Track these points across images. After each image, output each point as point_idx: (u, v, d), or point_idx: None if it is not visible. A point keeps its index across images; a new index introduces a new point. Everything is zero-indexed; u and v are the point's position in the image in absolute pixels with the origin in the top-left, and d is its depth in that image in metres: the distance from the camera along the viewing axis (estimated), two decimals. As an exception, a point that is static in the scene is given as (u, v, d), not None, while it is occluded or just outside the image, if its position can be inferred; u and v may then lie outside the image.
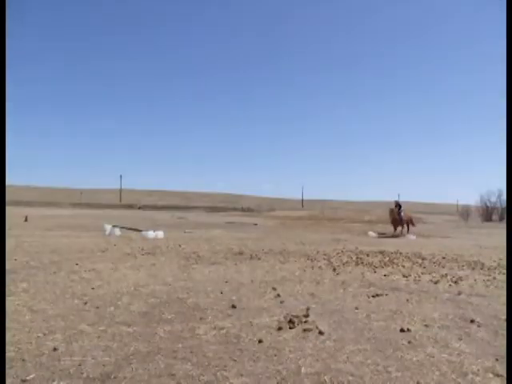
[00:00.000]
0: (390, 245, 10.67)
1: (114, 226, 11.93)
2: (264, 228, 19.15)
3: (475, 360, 2.50)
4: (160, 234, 11.12)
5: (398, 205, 17.42)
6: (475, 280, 5.36)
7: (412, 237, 14.57)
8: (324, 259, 7.18)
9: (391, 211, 17.34)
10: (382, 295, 4.28)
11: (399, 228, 16.93)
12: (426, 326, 3.21)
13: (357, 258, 7.49)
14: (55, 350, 2.51)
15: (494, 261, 7.52)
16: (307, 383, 2.15)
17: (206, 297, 4.04)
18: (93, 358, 2.39)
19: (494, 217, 46.11)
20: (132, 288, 4.36)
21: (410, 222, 17.56)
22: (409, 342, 2.79)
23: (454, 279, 5.35)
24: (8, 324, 2.92)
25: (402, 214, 17.23)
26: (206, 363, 2.37)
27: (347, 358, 2.49)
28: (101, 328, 2.96)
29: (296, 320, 3.21)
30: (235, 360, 2.43)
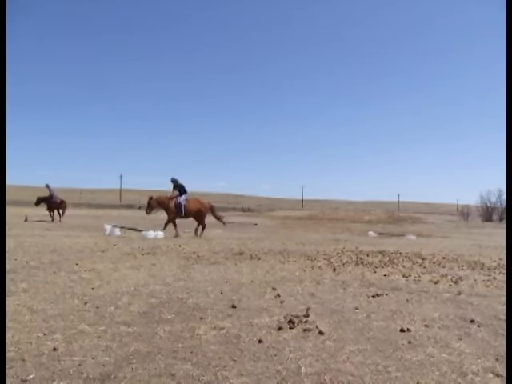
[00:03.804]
0: (389, 245, 10.67)
1: (113, 226, 11.91)
2: (264, 228, 19.14)
3: (475, 360, 2.50)
4: (160, 234, 11.10)
5: (178, 186, 11.23)
6: (475, 280, 5.36)
7: (412, 237, 14.56)
8: (324, 259, 7.18)
9: (156, 200, 11.10)
10: (382, 295, 4.28)
11: (202, 225, 11.21)
12: (426, 325, 3.21)
13: (357, 258, 7.49)
14: (55, 350, 2.51)
15: (494, 261, 7.52)
16: (307, 383, 2.15)
17: (206, 297, 4.04)
18: (93, 358, 2.39)
19: (494, 217, 46.18)
20: (132, 288, 4.36)
21: (202, 215, 11.38)
22: (409, 342, 2.79)
23: (454, 279, 5.35)
24: (8, 324, 2.92)
25: (183, 199, 11.15)
26: (206, 363, 2.37)
27: (347, 357, 2.49)
28: (101, 328, 2.96)
29: (296, 320, 3.21)
30: (235, 360, 2.43)
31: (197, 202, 11.71)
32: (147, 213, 11.59)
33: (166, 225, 11.46)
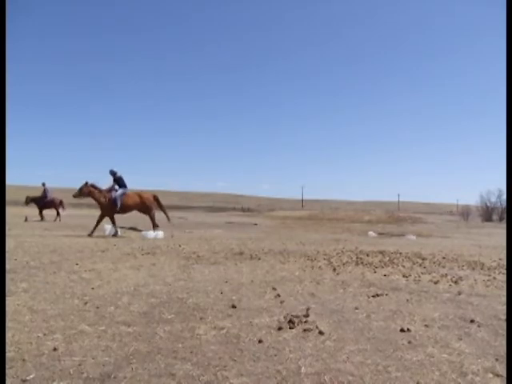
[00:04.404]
0: (389, 245, 10.66)
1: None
2: (264, 228, 19.13)
3: (475, 360, 2.50)
4: (160, 234, 11.10)
5: (117, 179, 10.48)
6: (475, 280, 5.36)
7: (412, 237, 14.56)
8: (324, 259, 7.18)
9: (89, 189, 10.26)
10: (382, 295, 4.28)
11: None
12: (426, 325, 3.21)
13: (357, 257, 7.49)
14: (55, 350, 2.51)
15: (494, 261, 7.52)
16: (307, 383, 2.15)
17: (206, 297, 4.04)
18: (93, 358, 2.39)
19: (494, 217, 46.18)
20: (132, 288, 4.36)
21: (145, 207, 10.77)
22: (409, 342, 2.79)
23: (454, 279, 5.35)
24: (8, 324, 2.92)
25: (119, 193, 10.30)
26: (206, 363, 2.37)
27: (347, 357, 2.49)
28: (101, 328, 2.96)
29: (296, 320, 3.21)
30: (235, 360, 2.43)
31: (135, 196, 11.01)
32: (73, 196, 10.86)
33: (98, 222, 10.52)
